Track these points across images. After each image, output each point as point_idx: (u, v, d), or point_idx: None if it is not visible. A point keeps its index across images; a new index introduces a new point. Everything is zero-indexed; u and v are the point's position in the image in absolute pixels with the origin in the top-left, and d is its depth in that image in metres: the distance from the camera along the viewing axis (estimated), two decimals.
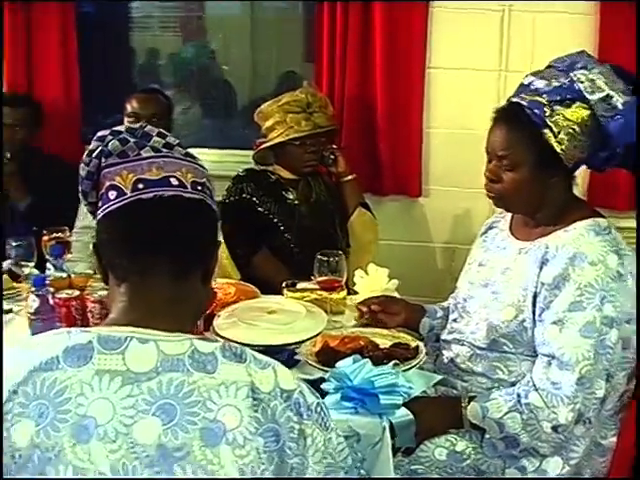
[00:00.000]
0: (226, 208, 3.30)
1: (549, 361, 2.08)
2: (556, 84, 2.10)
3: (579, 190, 2.31)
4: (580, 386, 2.02)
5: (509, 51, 3.56)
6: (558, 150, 2.08)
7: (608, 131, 2.06)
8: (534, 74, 2.17)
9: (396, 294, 2.67)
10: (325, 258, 2.52)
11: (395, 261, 3.74)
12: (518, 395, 2.10)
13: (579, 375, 2.02)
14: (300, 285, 2.67)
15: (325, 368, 2.13)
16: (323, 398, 1.97)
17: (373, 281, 2.62)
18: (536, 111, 2.08)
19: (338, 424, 1.92)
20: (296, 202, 3.35)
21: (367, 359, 2.03)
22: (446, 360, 2.35)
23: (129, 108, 3.59)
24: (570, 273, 2.07)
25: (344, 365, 2.04)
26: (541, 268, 2.14)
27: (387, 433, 1.96)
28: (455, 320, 2.39)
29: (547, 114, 2.07)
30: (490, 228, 2.45)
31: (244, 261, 3.26)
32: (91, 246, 1.47)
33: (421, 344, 2.29)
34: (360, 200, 3.47)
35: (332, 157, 3.40)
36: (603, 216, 2.22)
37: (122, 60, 4.36)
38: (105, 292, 2.34)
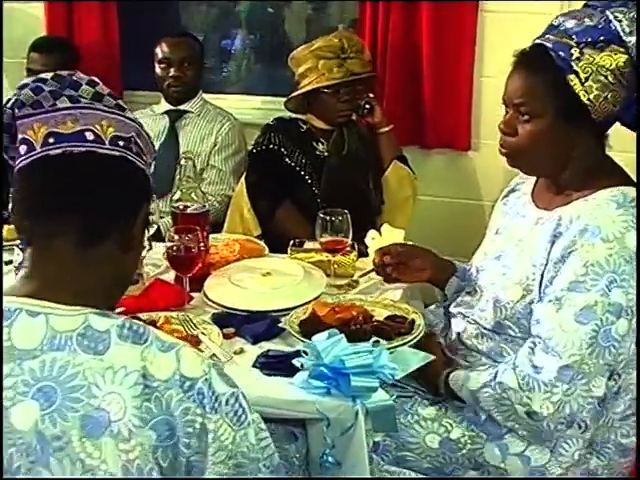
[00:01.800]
0: (252, 158, 3.15)
1: (536, 342, 1.82)
2: (589, 23, 1.78)
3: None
4: (563, 376, 1.75)
5: None
6: (584, 100, 1.78)
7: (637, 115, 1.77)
8: (566, 14, 1.86)
9: None
10: (328, 217, 2.30)
11: (438, 219, 3.56)
12: (496, 372, 1.87)
13: (564, 363, 1.75)
14: (308, 244, 2.46)
15: (306, 340, 1.93)
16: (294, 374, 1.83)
17: (386, 243, 2.36)
18: (561, 53, 1.78)
19: (304, 406, 1.78)
20: (326, 154, 3.13)
21: (341, 334, 1.81)
22: (453, 335, 2.10)
23: (159, 53, 3.44)
24: (577, 247, 1.79)
25: (317, 340, 1.83)
26: (553, 243, 1.86)
27: (361, 418, 1.75)
28: (469, 293, 2.13)
29: (574, 57, 1.77)
30: (512, 191, 2.17)
31: (266, 215, 3.09)
32: None
33: (419, 319, 2.06)
34: (397, 153, 3.22)
35: (367, 107, 3.15)
36: (636, 185, 1.90)
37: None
38: None
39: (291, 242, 2.52)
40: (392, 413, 1.83)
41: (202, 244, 2.19)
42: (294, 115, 3.24)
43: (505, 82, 1.90)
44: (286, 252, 2.52)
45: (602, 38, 1.76)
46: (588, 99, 1.77)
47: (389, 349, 1.88)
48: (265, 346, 2.01)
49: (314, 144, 3.13)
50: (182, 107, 3.51)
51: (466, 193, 3.57)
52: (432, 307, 2.32)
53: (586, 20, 1.79)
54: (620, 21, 1.75)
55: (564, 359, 1.75)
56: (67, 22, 3.81)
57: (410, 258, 2.23)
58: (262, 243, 2.63)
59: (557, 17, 1.85)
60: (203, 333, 2.04)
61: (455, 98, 3.43)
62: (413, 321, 2.02)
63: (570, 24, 1.80)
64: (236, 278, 2.26)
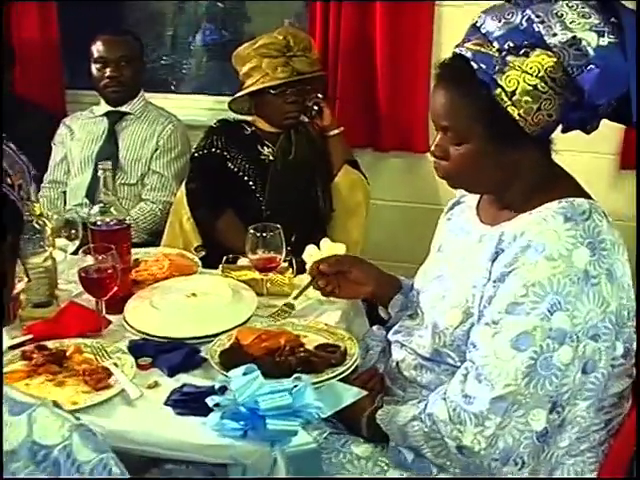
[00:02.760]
0: (193, 163, 2.95)
1: (470, 368, 1.64)
2: (510, 25, 1.59)
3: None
4: (496, 408, 1.57)
5: None
6: (514, 115, 1.59)
7: (579, 85, 1.56)
8: (488, 11, 1.66)
9: None
10: (258, 233, 2.10)
11: (394, 224, 3.39)
12: (426, 403, 1.69)
13: (497, 394, 1.57)
14: (242, 260, 2.27)
15: (225, 373, 1.74)
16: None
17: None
18: (482, 66, 1.59)
19: (217, 450, 1.59)
20: (271, 158, 2.94)
21: (257, 372, 1.62)
22: (393, 364, 1.92)
23: (95, 52, 3.23)
24: (519, 266, 1.60)
25: (233, 375, 1.65)
26: (494, 261, 1.68)
27: (280, 464, 1.57)
28: (410, 316, 1.95)
29: (497, 69, 1.58)
30: (457, 203, 1.99)
31: (206, 224, 2.91)
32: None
33: (354, 347, 1.88)
34: (347, 157, 3.04)
35: (316, 108, 2.96)
36: (590, 196, 1.72)
37: None
38: None
39: (224, 258, 2.33)
40: (316, 457, 1.65)
41: (118, 264, 1.98)
42: (239, 117, 3.05)
43: (430, 99, 1.72)
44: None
45: (525, 42, 1.57)
46: (519, 114, 1.58)
47: (315, 384, 1.70)
48: (183, 379, 1.83)
49: (259, 148, 2.94)
50: (122, 109, 3.30)
51: (424, 197, 3.38)
52: (374, 328, 2.13)
53: (507, 19, 1.60)
54: (542, 22, 1.56)
55: (497, 389, 1.57)
56: (5, 17, 3.57)
57: (350, 269, 2.04)
58: (196, 258, 2.44)
59: (480, 15, 1.66)
60: (115, 364, 1.85)
61: (411, 98, 3.22)
62: (345, 352, 1.82)
63: (491, 26, 1.61)
64: (157, 300, 2.07)
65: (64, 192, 3.26)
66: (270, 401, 1.56)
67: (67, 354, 1.88)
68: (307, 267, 2.19)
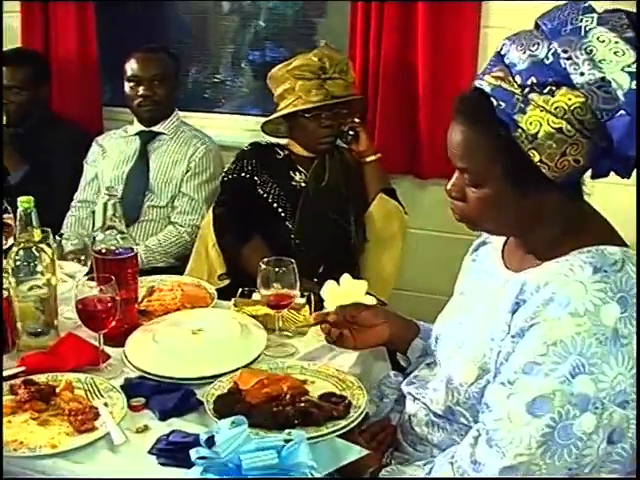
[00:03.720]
0: (222, 187, 2.83)
1: (481, 431, 1.48)
2: (535, 57, 1.41)
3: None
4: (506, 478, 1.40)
5: None
6: (535, 161, 1.41)
7: (607, 132, 1.38)
8: (514, 37, 1.48)
9: None
10: (271, 267, 1.96)
11: (434, 256, 3.22)
12: (432, 466, 1.54)
13: (508, 464, 1.40)
14: (257, 295, 2.13)
15: (218, 421, 1.60)
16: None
17: (344, 296, 2.02)
18: (502, 104, 1.41)
19: None
20: (303, 184, 2.80)
21: (245, 425, 1.48)
22: (405, 416, 1.76)
23: (128, 70, 3.15)
24: (540, 321, 1.43)
25: (220, 427, 1.51)
26: (514, 312, 1.51)
27: None
28: (428, 365, 1.79)
29: (518, 108, 1.40)
30: (483, 244, 1.82)
31: (232, 252, 2.78)
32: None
33: (362, 398, 1.72)
34: (383, 185, 2.88)
35: (352, 133, 2.81)
36: (624, 243, 1.53)
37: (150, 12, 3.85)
38: None
39: (239, 291, 2.19)
40: None
41: (117, 296, 1.86)
42: (273, 140, 2.92)
43: (448, 134, 1.55)
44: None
45: (550, 80, 1.39)
46: (540, 160, 1.41)
47: (312, 438, 1.55)
48: (175, 424, 1.70)
49: (291, 173, 2.81)
50: (154, 128, 3.20)
51: (465, 228, 3.19)
52: (392, 374, 1.97)
53: (532, 52, 1.42)
54: (569, 58, 1.38)
55: (508, 458, 1.41)
56: (44, 34, 3.55)
57: (362, 317, 1.89)
58: (211, 289, 2.30)
59: (504, 42, 1.49)
60: (106, 404, 1.73)
61: None
62: (349, 404, 1.67)
63: (515, 57, 1.43)
64: (160, 335, 1.95)
65: (93, 212, 3.18)
66: (254, 460, 1.41)
67: (56, 390, 1.77)
68: (325, 303, 2.05)
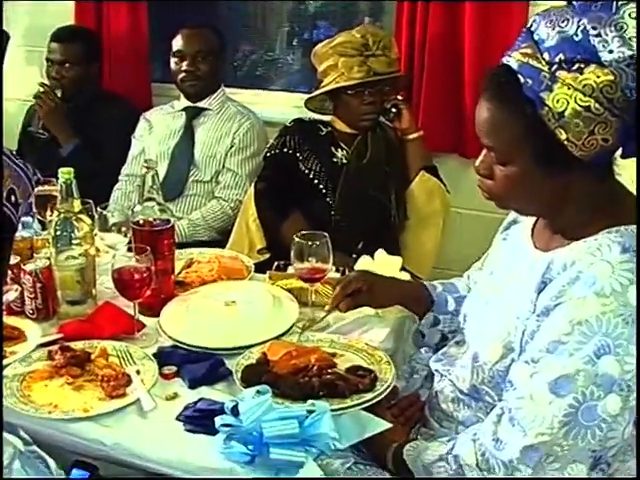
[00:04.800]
0: (265, 163, 2.85)
1: (505, 409, 1.47)
2: (564, 34, 1.37)
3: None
4: (527, 458, 1.39)
5: None
6: (562, 139, 1.39)
7: (635, 112, 1.35)
8: (544, 13, 1.44)
9: None
10: (304, 241, 1.98)
11: (476, 235, 3.17)
12: (454, 443, 1.53)
13: (529, 443, 1.39)
14: (292, 269, 2.15)
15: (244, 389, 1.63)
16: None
17: (378, 271, 2.01)
18: (529, 81, 1.39)
19: (221, 475, 1.49)
20: (344, 161, 2.80)
21: (268, 394, 1.50)
22: (433, 393, 1.77)
23: (174, 46, 3.19)
24: (565, 300, 1.42)
25: (245, 396, 1.53)
26: (540, 292, 1.50)
27: None
28: (457, 343, 1.79)
29: (545, 85, 1.37)
30: (514, 222, 1.80)
31: (272, 226, 2.79)
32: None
33: (389, 372, 1.73)
34: (425, 163, 2.87)
35: (394, 110, 2.81)
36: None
37: None
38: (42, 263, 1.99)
39: (275, 264, 2.22)
40: None
41: (152, 266, 1.90)
42: (316, 117, 2.92)
43: (476, 111, 1.53)
44: None
45: (579, 57, 1.35)
46: (567, 138, 1.38)
47: (336, 410, 1.56)
48: (203, 392, 1.73)
49: (333, 150, 2.82)
50: (200, 104, 3.23)
51: None
52: (422, 350, 1.98)
53: (561, 28, 1.38)
54: (598, 35, 1.34)
55: (530, 437, 1.40)
56: (96, 13, 3.60)
57: (367, 286, 1.88)
58: (249, 262, 2.33)
59: (535, 18, 1.46)
60: (138, 371, 1.77)
61: None
62: (375, 378, 1.68)
63: (544, 33, 1.39)
64: (195, 306, 1.98)
65: (139, 186, 3.22)
66: (275, 428, 1.44)
67: (91, 357, 1.81)
68: None
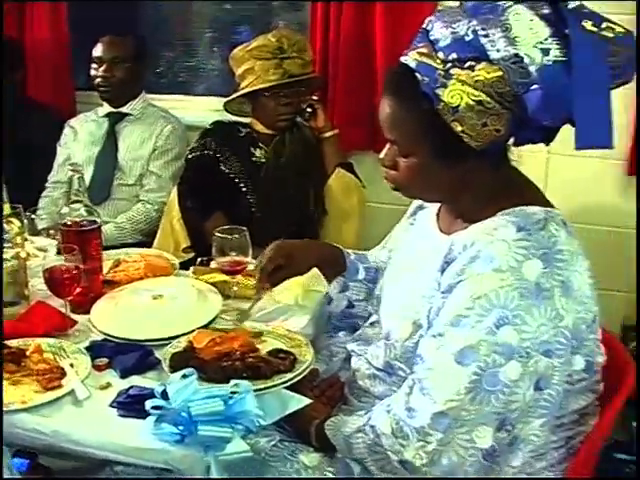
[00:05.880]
0: (186, 165, 2.96)
1: (415, 380, 1.60)
2: (455, 36, 1.52)
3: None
4: (437, 424, 1.52)
5: None
6: (458, 131, 1.53)
7: (523, 104, 1.49)
8: (439, 14, 1.59)
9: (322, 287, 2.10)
10: (224, 235, 2.10)
11: (393, 227, 3.32)
12: (370, 415, 1.65)
13: (439, 409, 1.52)
14: (215, 264, 2.26)
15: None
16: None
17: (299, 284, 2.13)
18: (426, 79, 1.53)
19: (152, 454, 1.59)
20: (263, 160, 2.92)
21: (194, 375, 1.62)
22: (351, 372, 1.90)
23: (93, 53, 3.26)
24: (465, 277, 1.55)
25: (172, 380, 1.64)
26: (443, 271, 1.64)
27: (214, 470, 1.56)
28: (372, 324, 1.93)
29: (440, 82, 1.51)
30: (420, 208, 1.95)
31: (196, 226, 2.90)
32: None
33: (308, 354, 1.85)
34: (341, 160, 3.01)
35: (310, 110, 2.94)
36: (550, 205, 1.66)
37: None
38: None
39: (198, 260, 2.33)
40: (255, 463, 1.64)
41: (81, 264, 1.99)
42: (236, 119, 3.04)
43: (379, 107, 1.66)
44: None
45: (470, 55, 1.49)
46: (462, 131, 1.52)
47: (259, 390, 1.68)
48: (135, 381, 1.83)
49: (252, 150, 2.94)
50: (122, 109, 3.32)
51: None
52: (341, 334, 2.11)
53: (453, 29, 1.52)
54: (487, 35, 1.48)
55: (439, 404, 1.52)
56: (17, 21, 3.64)
57: (287, 259, 2.00)
58: (174, 260, 2.43)
59: (430, 19, 1.60)
60: (72, 364, 1.86)
61: None
62: (294, 360, 1.81)
63: (439, 33, 1.53)
64: (123, 301, 2.08)
65: (67, 191, 3.29)
66: (202, 407, 1.55)
67: (27, 353, 1.89)
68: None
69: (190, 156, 2.96)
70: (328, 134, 2.97)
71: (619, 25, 1.50)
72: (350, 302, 2.03)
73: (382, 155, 1.71)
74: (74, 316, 2.07)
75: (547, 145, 1.66)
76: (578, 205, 3.18)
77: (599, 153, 2.90)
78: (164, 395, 1.64)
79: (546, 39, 1.45)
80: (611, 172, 3.20)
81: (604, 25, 1.48)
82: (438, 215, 1.82)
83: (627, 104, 3.01)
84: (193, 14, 3.96)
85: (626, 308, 3.26)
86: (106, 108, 3.35)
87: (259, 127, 2.97)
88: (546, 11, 1.47)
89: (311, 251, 2.07)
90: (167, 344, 1.91)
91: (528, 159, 2.85)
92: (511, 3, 1.49)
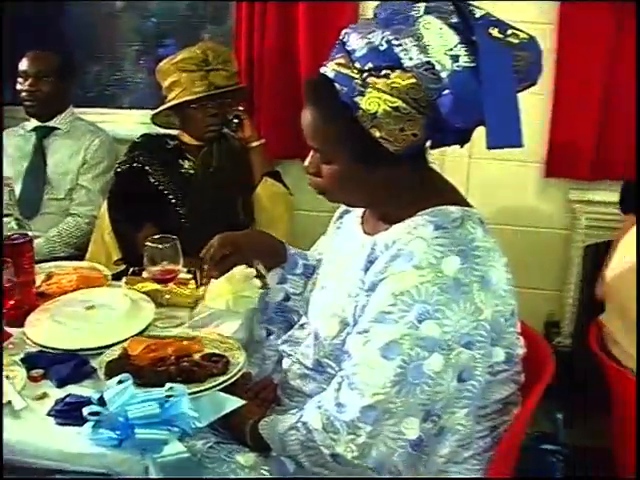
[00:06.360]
0: (115, 178, 2.98)
1: (344, 377, 1.66)
2: (370, 46, 1.59)
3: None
4: (366, 417, 1.59)
5: None
6: (376, 137, 1.60)
7: (437, 109, 1.57)
8: (354, 26, 1.67)
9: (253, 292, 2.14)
10: (155, 245, 2.14)
11: (322, 233, 3.39)
12: (302, 412, 1.72)
13: (367, 403, 1.59)
14: (146, 272, 2.30)
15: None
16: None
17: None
18: (344, 88, 1.60)
19: (90, 459, 1.63)
20: (191, 171, 2.97)
21: (130, 381, 1.66)
22: (283, 373, 1.95)
23: (19, 67, 3.26)
24: (387, 275, 1.63)
25: (109, 386, 1.68)
26: (367, 270, 1.71)
27: (152, 472, 1.60)
28: (301, 326, 1.99)
29: (358, 91, 1.59)
30: (346, 212, 2.02)
31: (126, 238, 2.93)
32: None
33: (240, 357, 1.90)
34: (268, 169, 3.08)
35: (236, 121, 3.00)
36: (468, 204, 1.75)
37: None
38: None
39: (130, 270, 2.37)
40: (192, 465, 1.68)
41: (13, 278, 2.02)
42: (164, 131, 3.08)
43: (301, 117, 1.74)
44: None
45: (385, 64, 1.57)
46: (381, 136, 1.59)
47: (193, 393, 1.73)
48: (71, 390, 1.86)
49: (180, 161, 2.98)
50: (50, 124, 3.33)
51: None
52: (272, 337, 2.16)
53: (368, 39, 1.60)
54: (400, 44, 1.55)
55: (367, 398, 1.59)
56: None
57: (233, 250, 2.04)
58: (106, 271, 2.46)
59: (346, 30, 1.68)
60: (7, 376, 1.88)
61: None
62: (227, 362, 1.86)
63: (355, 44, 1.61)
64: (57, 313, 2.10)
65: None
66: (139, 410, 1.59)
67: None
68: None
69: (119, 169, 2.98)
70: (255, 144, 3.03)
71: (523, 32, 1.60)
72: (287, 295, 2.08)
73: (306, 163, 1.78)
74: (8, 329, 2.08)
75: (462, 147, 1.75)
76: (499, 207, 3.31)
77: (517, 157, 3.09)
78: (101, 401, 1.68)
79: (455, 46, 1.54)
80: (529, 175, 3.31)
81: (509, 32, 1.58)
82: (362, 218, 1.89)
83: (543, 109, 3.14)
84: (119, 28, 3.98)
85: (549, 305, 3.39)
86: (33, 123, 3.35)
87: (187, 139, 3.01)
88: (455, 20, 1.56)
89: (255, 240, 2.14)
90: (102, 353, 1.94)
91: (450, 164, 3.03)
92: (422, 13, 1.58)
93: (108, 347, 1.96)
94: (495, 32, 1.57)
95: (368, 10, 3.18)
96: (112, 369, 1.83)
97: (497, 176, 3.30)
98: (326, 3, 3.15)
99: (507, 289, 1.69)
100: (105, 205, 3.03)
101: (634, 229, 2.27)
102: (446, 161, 3.01)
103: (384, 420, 1.59)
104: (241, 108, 3.04)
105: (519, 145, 1.55)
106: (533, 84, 1.65)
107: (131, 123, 3.71)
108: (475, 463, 1.75)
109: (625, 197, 2.81)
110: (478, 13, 1.59)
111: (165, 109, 2.99)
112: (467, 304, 1.59)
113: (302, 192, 3.21)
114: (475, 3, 1.63)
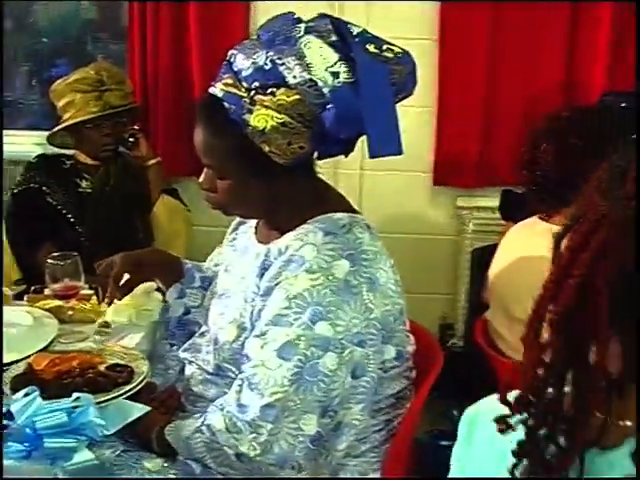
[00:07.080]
0: (12, 199, 2.98)
1: (244, 379, 1.74)
2: (255, 66, 1.69)
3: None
4: (266, 415, 1.67)
5: None
6: (266, 151, 1.70)
7: (321, 122, 1.68)
8: (239, 47, 1.77)
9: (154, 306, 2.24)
10: (56, 262, 2.18)
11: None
12: (205, 415, 1.79)
13: (266, 402, 1.67)
14: (48, 290, 2.33)
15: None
16: None
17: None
18: (233, 107, 1.70)
19: (8, 471, 1.66)
20: (89, 191, 3.00)
21: (36, 393, 1.70)
22: (185, 381, 2.02)
23: None
24: (281, 279, 1.73)
25: (16, 399, 1.72)
26: (261, 277, 1.80)
27: None
28: (202, 334, 2.06)
29: (246, 109, 1.68)
30: (242, 223, 2.10)
31: (26, 259, 2.94)
32: None
33: (143, 366, 1.96)
34: (164, 186, 3.15)
35: (131, 140, 3.05)
36: (355, 211, 1.86)
37: None
38: None
39: (32, 288, 2.39)
40: (101, 472, 1.73)
41: None
42: (60, 151, 3.11)
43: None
44: None
45: (270, 82, 1.66)
46: (270, 151, 1.69)
47: (100, 402, 1.78)
48: None
49: (77, 181, 3.01)
50: None
51: None
52: (174, 348, 2.22)
53: (254, 60, 1.69)
54: (283, 64, 1.66)
55: (266, 397, 1.67)
56: None
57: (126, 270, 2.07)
58: (7, 291, 2.47)
59: (232, 52, 1.77)
60: None
61: None
62: (132, 371, 1.91)
63: (241, 64, 1.70)
64: None
65: None
66: (47, 420, 1.63)
67: None
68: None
69: (15, 190, 2.99)
70: (151, 162, 3.09)
71: (398, 46, 1.73)
72: (187, 308, 2.14)
73: (201, 179, 1.86)
74: None
75: (346, 156, 1.87)
76: (391, 216, 3.44)
77: (408, 167, 3.21)
78: (9, 416, 1.70)
79: (335, 63, 1.65)
80: (419, 184, 3.46)
81: (385, 47, 1.71)
82: (256, 228, 1.98)
83: (427, 120, 3.29)
84: (9, 48, 3.96)
85: (443, 309, 3.53)
86: None
87: (83, 158, 3.05)
88: (334, 38, 1.68)
89: (155, 258, 2.19)
90: (6, 370, 1.97)
91: (343, 177, 3.14)
92: (302, 33, 1.68)
93: (12, 364, 1.98)
94: (372, 48, 1.68)
95: (258, 19, 3.27)
96: (18, 383, 1.86)
97: (389, 186, 3.44)
98: (217, 26, 3.23)
99: (395, 289, 1.81)
100: (3, 227, 3.02)
101: (512, 232, 2.43)
102: (339, 175, 3.12)
103: (284, 418, 1.67)
104: (136, 127, 3.09)
105: (399, 153, 1.67)
106: (408, 95, 1.77)
107: (25, 144, 3.70)
108: (373, 456, 1.86)
109: (504, 204, 2.97)
110: (355, 30, 1.71)
111: (60, 129, 3.01)
112: (358, 305, 1.71)
113: (200, 208, 3.27)
114: (353, 20, 1.74)
